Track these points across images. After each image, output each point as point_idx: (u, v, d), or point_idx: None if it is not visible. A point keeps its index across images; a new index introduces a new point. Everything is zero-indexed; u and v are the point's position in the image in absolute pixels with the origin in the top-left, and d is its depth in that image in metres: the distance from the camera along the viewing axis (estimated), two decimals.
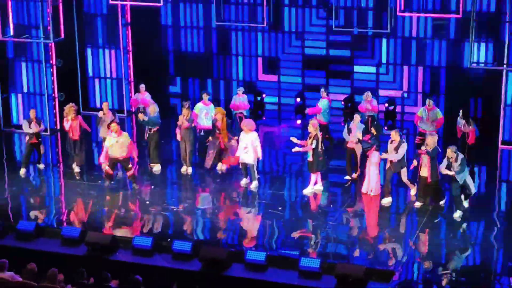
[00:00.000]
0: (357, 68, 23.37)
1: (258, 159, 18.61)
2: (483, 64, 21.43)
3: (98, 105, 24.41)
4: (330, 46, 23.49)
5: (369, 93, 20.93)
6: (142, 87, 21.99)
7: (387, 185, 17.71)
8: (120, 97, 24.38)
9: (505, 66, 20.44)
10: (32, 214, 17.58)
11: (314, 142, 17.88)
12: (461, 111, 19.75)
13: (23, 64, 23.66)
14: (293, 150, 18.29)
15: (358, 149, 18.71)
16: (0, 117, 23.36)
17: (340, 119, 22.50)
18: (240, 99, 21.76)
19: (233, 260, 14.88)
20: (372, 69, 23.27)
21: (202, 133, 20.28)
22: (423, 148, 17.10)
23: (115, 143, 18.17)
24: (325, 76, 23.63)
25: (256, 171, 18.59)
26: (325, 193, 18.37)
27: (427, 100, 20.18)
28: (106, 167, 18.32)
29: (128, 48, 24.22)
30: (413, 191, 17.89)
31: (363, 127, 18.82)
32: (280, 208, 17.55)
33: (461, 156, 16.65)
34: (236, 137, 19.16)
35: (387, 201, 17.68)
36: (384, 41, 22.96)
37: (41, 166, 20.12)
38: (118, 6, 23.58)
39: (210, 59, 24.46)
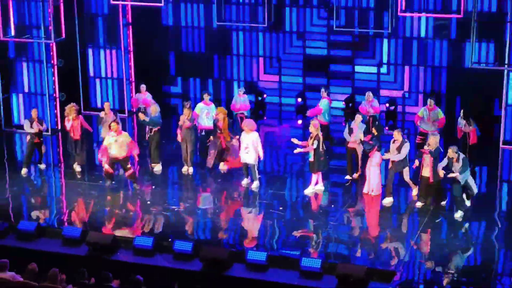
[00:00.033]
0: (358, 68, 23.39)
1: (259, 158, 18.61)
2: (484, 64, 21.42)
3: (99, 105, 24.42)
4: (331, 46, 23.51)
5: (370, 93, 20.91)
6: (143, 87, 22.00)
7: (389, 185, 17.71)
8: (121, 97, 24.38)
9: (506, 66, 20.44)
10: (33, 214, 17.58)
11: (315, 142, 17.87)
12: (462, 111, 19.76)
13: (24, 64, 23.66)
14: (295, 151, 18.28)
15: (359, 149, 18.70)
16: (1, 117, 23.36)
17: (340, 119, 22.50)
18: (241, 100, 21.75)
19: (234, 260, 14.88)
20: (373, 69, 23.28)
21: (203, 133, 20.28)
22: (426, 147, 17.09)
23: (114, 142, 18.17)
24: (326, 76, 23.63)
25: (257, 171, 18.59)
26: (326, 193, 18.37)
27: (428, 100, 20.17)
28: (105, 166, 18.31)
29: (129, 48, 24.23)
30: (414, 191, 17.88)
31: (364, 127, 18.82)
32: (281, 208, 17.55)
33: (462, 156, 16.65)
34: (237, 136, 19.17)
35: (388, 201, 17.68)
36: (385, 41, 22.97)
37: (42, 166, 20.11)
38: (119, 6, 23.58)
39: (211, 59, 24.46)
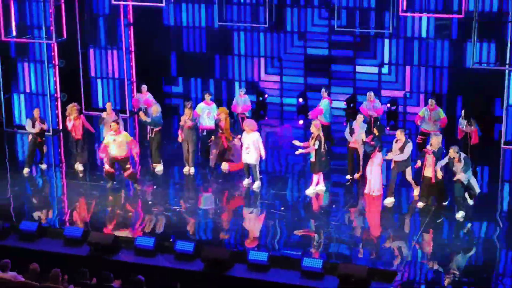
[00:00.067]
0: (359, 68, 23.38)
1: (261, 158, 18.61)
2: (485, 64, 21.41)
3: (100, 105, 24.44)
4: (332, 46, 23.50)
5: (372, 93, 20.91)
6: (144, 87, 21.98)
7: (391, 185, 17.71)
8: (122, 98, 24.38)
9: (507, 66, 20.43)
10: (35, 214, 17.59)
11: (317, 142, 17.87)
12: (463, 111, 19.76)
13: (26, 64, 23.66)
14: (296, 152, 18.28)
15: (361, 149, 18.71)
16: (3, 117, 23.36)
17: (341, 119, 22.50)
18: (242, 100, 21.73)
19: (235, 260, 14.88)
20: (374, 69, 23.27)
21: (204, 133, 20.28)
22: (428, 147, 17.08)
23: (112, 142, 18.17)
24: (327, 76, 23.63)
25: (258, 171, 18.59)
26: (327, 193, 18.37)
27: (429, 100, 20.18)
28: (106, 166, 18.31)
29: (131, 48, 24.22)
30: (416, 191, 17.88)
31: (365, 127, 18.83)
32: (282, 208, 17.55)
33: (463, 155, 16.65)
34: (239, 136, 19.16)
35: (389, 201, 17.67)
36: (386, 41, 22.96)
37: (44, 166, 20.12)
38: (120, 6, 23.58)
39: (212, 59, 24.46)
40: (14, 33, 22.80)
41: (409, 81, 23.00)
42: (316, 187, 18.35)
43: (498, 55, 21.34)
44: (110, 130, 18.57)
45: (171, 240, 15.79)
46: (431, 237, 16.34)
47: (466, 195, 16.87)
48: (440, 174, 16.83)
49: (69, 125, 19.69)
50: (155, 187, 18.91)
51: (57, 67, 22.98)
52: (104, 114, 20.29)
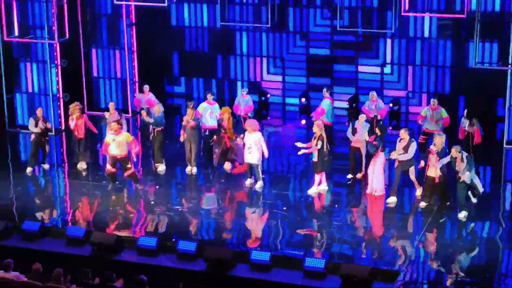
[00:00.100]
0: (361, 68, 23.37)
1: (264, 157, 18.61)
2: (488, 64, 21.41)
3: (103, 105, 24.45)
4: (334, 46, 23.49)
5: (374, 93, 20.91)
6: (146, 87, 21.99)
7: (395, 184, 17.72)
8: (124, 97, 24.39)
9: (510, 66, 20.42)
10: (37, 214, 17.60)
11: (319, 142, 17.88)
12: (465, 110, 19.76)
13: (28, 65, 23.68)
14: (299, 153, 18.28)
15: (363, 149, 18.72)
16: (5, 117, 23.37)
17: (344, 119, 22.49)
18: (244, 100, 21.71)
19: (237, 260, 14.88)
20: (377, 69, 23.26)
21: (207, 133, 20.29)
22: (432, 147, 17.06)
23: (112, 141, 18.17)
24: (330, 76, 23.62)
25: (260, 171, 18.59)
26: (329, 193, 18.38)
27: (432, 100, 20.18)
28: (108, 166, 18.30)
29: (133, 48, 24.24)
30: (418, 191, 17.88)
31: (368, 126, 18.84)
32: (284, 208, 17.55)
33: (465, 154, 16.64)
34: (242, 135, 19.17)
35: (392, 200, 17.68)
36: (388, 41, 22.95)
37: (46, 166, 20.13)
38: (123, 6, 23.59)
39: (215, 60, 24.46)
40: (16, 33, 22.82)
41: (412, 81, 22.99)
42: (319, 187, 18.35)
43: (501, 55, 21.32)
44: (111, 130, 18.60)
45: (174, 240, 15.81)
46: (433, 237, 16.35)
47: (470, 193, 16.87)
48: (438, 172, 16.83)
49: (72, 124, 19.72)
50: (157, 187, 18.92)
51: (59, 67, 23.00)
52: (107, 114, 20.30)
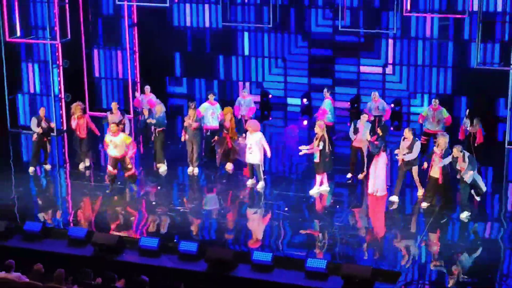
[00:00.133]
0: (363, 69, 23.36)
1: (267, 157, 18.62)
2: (489, 65, 21.40)
3: (104, 105, 24.46)
4: (336, 46, 23.47)
5: (376, 93, 20.92)
6: (147, 88, 21.97)
7: (398, 183, 17.72)
8: (126, 98, 24.39)
9: (511, 66, 20.41)
10: (39, 214, 17.62)
11: (321, 143, 17.88)
12: (467, 110, 19.77)
13: (30, 65, 23.69)
14: (301, 153, 18.29)
15: (365, 149, 18.73)
16: (7, 117, 23.39)
17: (346, 120, 22.49)
18: (245, 102, 21.64)
19: (239, 260, 14.88)
20: (379, 70, 23.25)
21: (208, 133, 20.29)
22: (435, 149, 17.03)
23: (110, 142, 18.17)
24: (331, 76, 23.61)
25: (262, 172, 18.59)
26: (331, 193, 18.38)
27: (433, 100, 20.19)
28: (109, 167, 18.29)
29: (135, 48, 24.24)
30: (420, 192, 17.88)
31: (370, 126, 18.85)
32: (286, 209, 17.55)
33: (467, 154, 16.63)
34: (244, 135, 19.18)
35: (395, 199, 17.68)
36: (390, 41, 22.94)
37: (48, 166, 20.14)
38: (125, 6, 23.60)
39: (216, 60, 24.46)
40: (18, 34, 22.83)
41: (413, 81, 22.98)
42: (320, 187, 18.35)
43: (502, 55, 21.30)
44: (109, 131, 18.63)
45: (175, 240, 15.81)
46: (435, 238, 16.33)
47: (473, 192, 16.87)
48: (438, 172, 16.84)
49: (73, 124, 19.73)
50: (159, 187, 18.92)
51: (61, 67, 23.01)
52: (109, 114, 20.26)
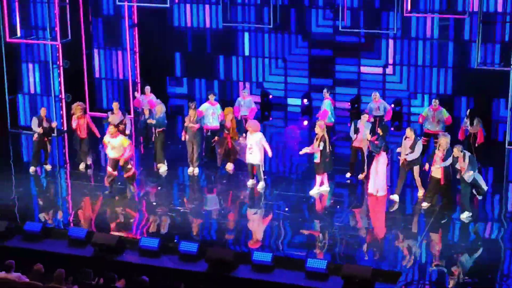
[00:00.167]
0: (363, 69, 23.35)
1: (268, 157, 18.62)
2: (490, 65, 21.40)
3: (105, 106, 24.46)
4: (336, 47, 23.47)
5: (377, 93, 20.92)
6: (147, 88, 21.96)
7: (400, 182, 17.73)
8: (127, 99, 24.38)
9: None
10: (39, 215, 17.62)
11: (321, 143, 17.88)
12: (468, 110, 19.77)
13: (30, 65, 23.70)
14: (301, 152, 18.29)
15: (365, 149, 18.74)
16: (7, 118, 23.39)
17: (346, 120, 22.49)
18: (246, 102, 21.62)
19: (239, 261, 14.88)
20: (379, 70, 23.25)
21: (209, 133, 20.30)
22: (437, 150, 17.03)
23: (108, 144, 18.16)
24: (332, 77, 23.61)
25: (262, 172, 18.59)
26: (331, 194, 18.38)
27: (433, 100, 20.19)
28: (108, 168, 18.27)
29: (135, 49, 24.25)
30: (420, 192, 17.88)
31: (370, 126, 18.86)
32: (286, 209, 17.55)
33: (468, 154, 16.63)
34: (244, 135, 19.19)
35: (395, 197, 17.68)
36: (390, 41, 22.94)
37: (48, 167, 20.14)
38: (125, 7, 23.60)
39: (217, 60, 24.46)
40: (18, 34, 22.84)
41: (414, 81, 22.97)
42: (320, 187, 18.35)
43: (502, 55, 21.30)
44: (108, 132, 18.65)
45: (175, 240, 15.80)
46: (435, 238, 16.33)
47: (474, 191, 16.87)
48: (439, 172, 16.85)
49: (73, 123, 19.74)
50: (159, 187, 18.92)
51: (61, 68, 23.00)
52: (110, 114, 20.23)
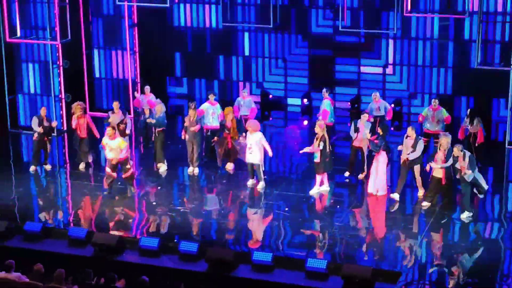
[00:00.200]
0: (363, 69, 23.35)
1: (268, 156, 18.62)
2: (490, 65, 21.40)
3: (104, 106, 24.45)
4: (336, 47, 23.46)
5: (377, 93, 20.92)
6: (147, 88, 21.96)
7: (401, 181, 17.73)
8: (126, 98, 24.38)
9: None
10: (39, 215, 17.62)
11: (321, 143, 17.88)
12: (468, 110, 19.76)
13: (30, 65, 23.69)
14: (301, 151, 18.30)
15: (365, 148, 18.74)
16: (7, 118, 23.38)
17: (346, 120, 22.48)
18: (245, 102, 21.60)
19: (239, 261, 14.88)
20: (379, 70, 23.24)
21: (209, 133, 20.30)
22: (439, 150, 17.02)
23: (106, 145, 18.15)
24: (332, 77, 23.61)
25: (262, 172, 18.58)
26: (331, 193, 18.38)
27: (433, 100, 20.19)
28: (107, 169, 18.23)
29: (135, 49, 24.24)
30: (420, 192, 17.88)
31: (370, 126, 18.86)
32: (286, 209, 17.55)
33: (468, 154, 16.63)
34: (244, 134, 19.19)
35: (396, 196, 17.69)
36: (390, 41, 22.94)
37: (48, 166, 20.13)
38: (125, 7, 23.60)
39: (217, 60, 24.46)
40: (18, 34, 22.84)
41: (414, 81, 22.97)
42: (320, 187, 18.35)
43: (502, 55, 21.30)
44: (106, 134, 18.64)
45: (175, 240, 15.80)
46: (435, 238, 16.33)
47: (475, 190, 16.88)
48: (441, 172, 16.86)
49: (73, 123, 19.74)
50: (159, 187, 18.92)
51: (61, 68, 23.00)
52: (111, 114, 20.21)
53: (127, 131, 20.03)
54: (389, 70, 23.15)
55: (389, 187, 18.18)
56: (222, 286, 14.59)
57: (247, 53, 24.24)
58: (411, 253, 15.62)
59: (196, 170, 19.67)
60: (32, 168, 19.78)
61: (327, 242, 16.05)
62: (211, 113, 20.26)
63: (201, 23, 24.32)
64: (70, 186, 19.69)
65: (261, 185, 18.60)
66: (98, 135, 20.07)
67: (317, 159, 18.02)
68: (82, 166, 20.00)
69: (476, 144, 19.26)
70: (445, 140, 17.02)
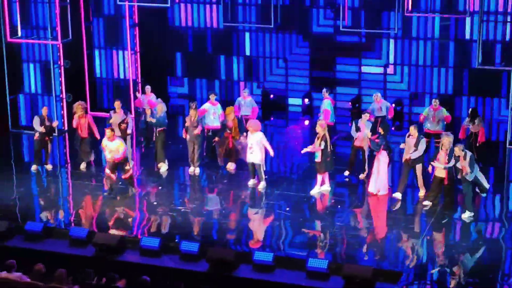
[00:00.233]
0: (364, 69, 23.35)
1: (269, 156, 18.62)
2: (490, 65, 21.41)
3: (105, 106, 24.45)
4: (337, 46, 23.46)
5: (379, 94, 20.93)
6: (148, 88, 21.95)
7: (403, 180, 17.73)
8: (127, 98, 24.37)
9: None
10: (40, 215, 17.62)
11: (323, 143, 17.88)
12: (470, 109, 19.76)
13: (31, 65, 23.70)
14: (302, 151, 18.30)
15: (366, 148, 18.75)
16: (8, 118, 23.39)
17: (347, 120, 22.49)
18: (246, 102, 21.59)
19: (240, 260, 14.88)
20: (380, 70, 23.25)
21: (210, 133, 20.30)
22: (441, 150, 17.02)
23: (105, 147, 18.15)
24: (333, 76, 23.61)
25: (263, 172, 18.58)
26: (332, 193, 18.38)
27: (433, 100, 20.20)
28: (107, 170, 18.22)
29: (136, 49, 24.25)
30: (421, 192, 17.87)
31: (371, 125, 18.86)
32: (287, 209, 17.55)
33: (469, 153, 16.63)
34: (245, 134, 19.19)
35: (398, 195, 17.69)
36: (391, 41, 22.94)
37: (49, 166, 20.14)
38: (126, 7, 23.60)
39: (218, 60, 24.46)
40: (19, 34, 22.84)
41: (415, 81, 22.97)
42: (321, 187, 18.35)
43: (503, 55, 21.30)
44: (117, 129, 18.58)
45: (176, 240, 15.81)
46: (436, 238, 16.33)
47: (477, 190, 16.88)
48: (443, 172, 16.86)
49: (74, 123, 19.75)
50: (160, 187, 18.92)
51: (62, 68, 23.00)
52: (112, 113, 20.19)
53: (129, 131, 20.05)
54: (390, 70, 23.15)
55: (390, 187, 18.18)
56: (223, 286, 14.59)
57: (248, 53, 24.24)
58: (412, 253, 15.62)
59: (197, 170, 19.67)
60: (34, 167, 19.80)
61: (328, 242, 16.06)
62: (212, 113, 20.26)
63: (202, 23, 24.33)
64: (71, 186, 19.69)
65: (262, 185, 18.60)
66: (98, 136, 20.01)
67: (318, 159, 18.02)
68: (83, 166, 20.01)
69: (477, 144, 19.26)
70: (447, 140, 17.02)
